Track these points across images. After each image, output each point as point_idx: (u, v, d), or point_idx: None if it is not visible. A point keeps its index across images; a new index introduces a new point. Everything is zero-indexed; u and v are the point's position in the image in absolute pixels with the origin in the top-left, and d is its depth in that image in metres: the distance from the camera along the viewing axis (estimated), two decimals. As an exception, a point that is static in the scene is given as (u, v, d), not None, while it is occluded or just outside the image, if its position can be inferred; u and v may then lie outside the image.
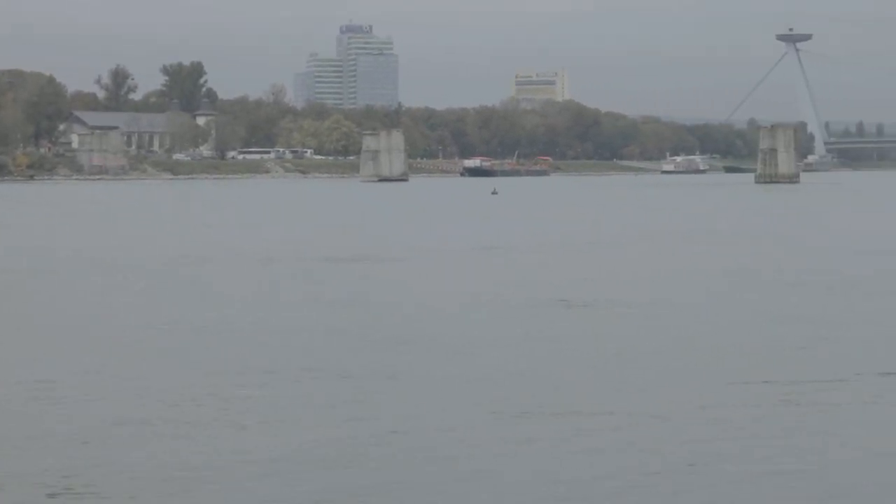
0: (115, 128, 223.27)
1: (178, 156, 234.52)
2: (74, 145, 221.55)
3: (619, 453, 14.71)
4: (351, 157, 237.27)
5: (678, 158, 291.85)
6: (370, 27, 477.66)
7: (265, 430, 16.03)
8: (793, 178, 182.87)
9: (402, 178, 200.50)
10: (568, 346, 22.98)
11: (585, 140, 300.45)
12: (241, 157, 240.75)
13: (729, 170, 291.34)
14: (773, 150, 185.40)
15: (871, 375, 19.86)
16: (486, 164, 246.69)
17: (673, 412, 16.91)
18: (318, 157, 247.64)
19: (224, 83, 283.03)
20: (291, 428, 16.09)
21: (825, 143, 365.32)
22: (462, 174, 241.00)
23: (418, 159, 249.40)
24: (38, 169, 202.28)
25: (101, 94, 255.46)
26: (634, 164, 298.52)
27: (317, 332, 25.09)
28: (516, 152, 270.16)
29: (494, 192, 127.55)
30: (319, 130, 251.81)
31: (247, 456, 14.54)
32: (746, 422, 16.38)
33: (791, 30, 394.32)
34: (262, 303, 30.46)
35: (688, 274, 37.86)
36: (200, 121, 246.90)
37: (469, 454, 14.67)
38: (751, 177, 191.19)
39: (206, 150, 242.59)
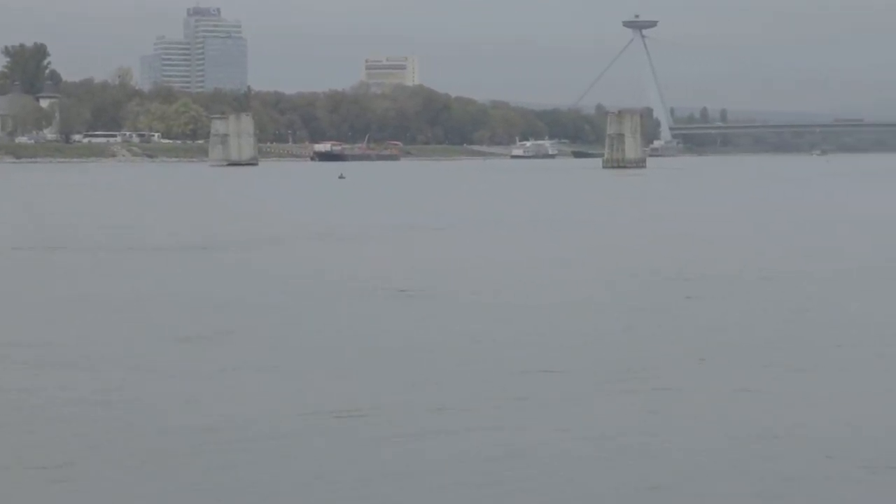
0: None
1: (20, 139, 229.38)
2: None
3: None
4: (200, 141, 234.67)
5: (528, 143, 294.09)
6: (218, 10, 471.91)
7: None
8: (639, 164, 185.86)
9: (252, 163, 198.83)
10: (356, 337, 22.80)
11: (436, 125, 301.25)
12: (86, 140, 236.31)
13: (577, 155, 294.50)
14: (621, 136, 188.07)
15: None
16: (337, 148, 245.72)
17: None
18: (166, 140, 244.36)
19: (68, 65, 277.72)
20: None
21: (671, 129, 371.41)
22: (312, 158, 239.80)
23: (268, 143, 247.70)
24: None
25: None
26: (484, 149, 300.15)
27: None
28: (367, 137, 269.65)
29: (341, 177, 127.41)
30: (167, 114, 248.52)
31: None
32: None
33: (637, 16, 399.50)
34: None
35: (510, 264, 37.48)
36: (44, 103, 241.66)
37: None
38: (599, 161, 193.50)
39: (49, 133, 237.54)
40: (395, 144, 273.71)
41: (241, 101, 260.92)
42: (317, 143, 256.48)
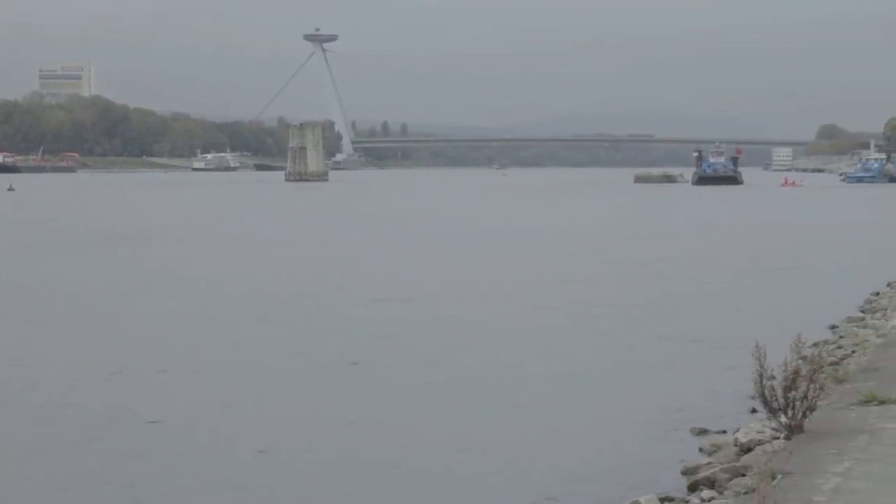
0: None
1: None
2: None
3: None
4: None
5: (209, 156, 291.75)
6: None
7: None
8: (322, 177, 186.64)
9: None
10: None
11: (114, 136, 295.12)
12: None
13: (260, 167, 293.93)
14: (303, 149, 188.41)
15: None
16: (10, 160, 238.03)
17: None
18: None
19: None
20: None
21: (353, 142, 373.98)
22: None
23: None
24: None
25: None
26: (165, 161, 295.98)
27: None
28: (41, 148, 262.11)
29: (11, 189, 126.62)
30: None
31: None
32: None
33: (318, 30, 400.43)
34: None
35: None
36: None
37: None
38: (282, 175, 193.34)
39: None
40: (72, 156, 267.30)
41: None
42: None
